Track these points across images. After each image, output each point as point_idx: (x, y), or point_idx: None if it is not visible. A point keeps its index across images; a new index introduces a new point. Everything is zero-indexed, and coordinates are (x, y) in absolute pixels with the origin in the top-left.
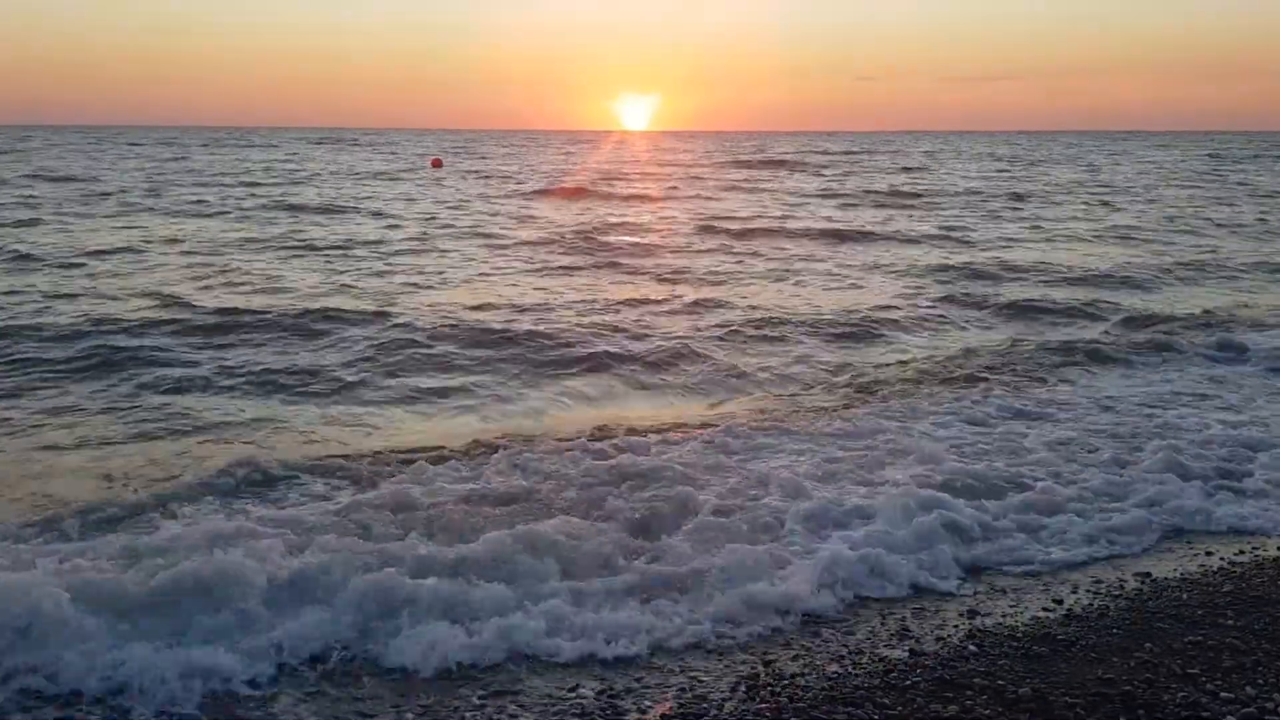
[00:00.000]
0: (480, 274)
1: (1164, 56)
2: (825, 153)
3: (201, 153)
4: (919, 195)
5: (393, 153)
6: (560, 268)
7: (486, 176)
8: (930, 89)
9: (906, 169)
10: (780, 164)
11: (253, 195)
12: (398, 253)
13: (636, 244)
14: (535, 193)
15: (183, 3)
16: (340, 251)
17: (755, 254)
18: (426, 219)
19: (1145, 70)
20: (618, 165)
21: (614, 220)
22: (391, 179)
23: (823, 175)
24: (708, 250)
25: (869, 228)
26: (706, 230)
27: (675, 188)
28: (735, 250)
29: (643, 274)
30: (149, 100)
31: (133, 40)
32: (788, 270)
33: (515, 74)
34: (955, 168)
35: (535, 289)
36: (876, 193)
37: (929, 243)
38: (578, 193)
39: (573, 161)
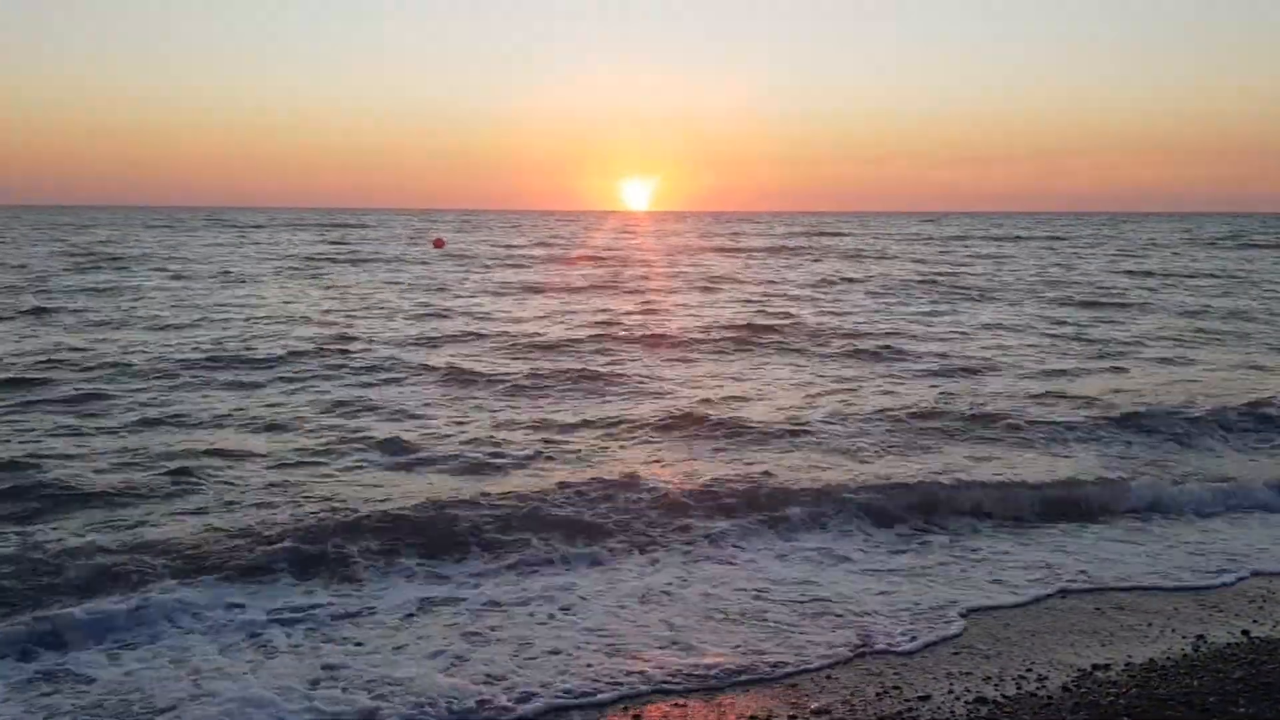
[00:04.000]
0: None
1: (1153, 139)
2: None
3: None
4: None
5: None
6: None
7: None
8: (928, 171)
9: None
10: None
11: None
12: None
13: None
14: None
15: (184, 82)
16: None
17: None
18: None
19: (1137, 151)
20: (595, 251)
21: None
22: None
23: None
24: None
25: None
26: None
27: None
28: None
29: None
30: (144, 178)
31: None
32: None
33: (525, 157)
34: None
35: None
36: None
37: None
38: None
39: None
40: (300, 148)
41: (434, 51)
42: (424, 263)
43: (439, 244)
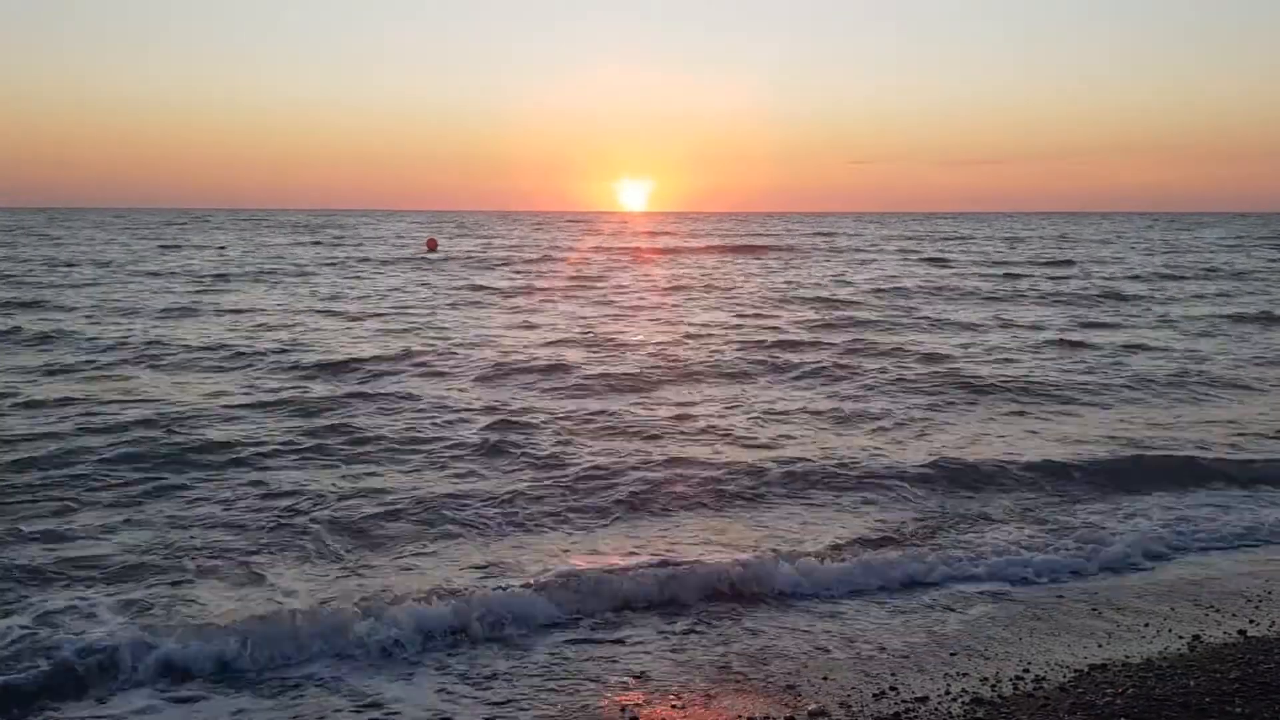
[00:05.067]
0: None
1: (1150, 139)
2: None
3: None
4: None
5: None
6: None
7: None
8: (921, 172)
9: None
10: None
11: None
12: None
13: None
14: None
15: (179, 82)
16: None
17: None
18: None
19: (1129, 154)
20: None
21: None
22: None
23: None
24: None
25: None
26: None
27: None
28: None
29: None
30: (136, 181)
31: (108, 120)
32: None
33: (521, 157)
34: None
35: None
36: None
37: None
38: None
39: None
40: (294, 148)
41: (431, 51)
42: (418, 263)
43: (432, 245)
